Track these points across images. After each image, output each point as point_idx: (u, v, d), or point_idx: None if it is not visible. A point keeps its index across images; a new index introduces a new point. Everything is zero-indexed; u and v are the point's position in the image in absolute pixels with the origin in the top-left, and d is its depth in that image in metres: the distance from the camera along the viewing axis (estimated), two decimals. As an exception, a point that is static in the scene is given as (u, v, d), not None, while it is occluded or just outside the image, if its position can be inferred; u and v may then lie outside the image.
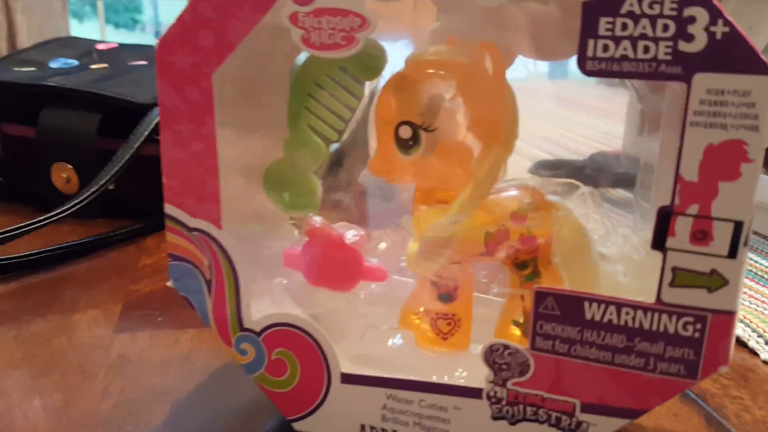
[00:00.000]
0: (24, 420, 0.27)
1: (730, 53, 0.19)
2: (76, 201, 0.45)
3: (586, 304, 0.22)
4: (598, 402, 0.22)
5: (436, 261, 0.25)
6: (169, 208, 0.25)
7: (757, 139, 0.19)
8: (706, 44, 0.19)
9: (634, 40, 0.20)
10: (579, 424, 0.23)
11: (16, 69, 0.59)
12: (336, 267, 0.28)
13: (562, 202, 0.25)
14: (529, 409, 0.23)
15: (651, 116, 0.25)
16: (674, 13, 0.19)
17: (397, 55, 0.25)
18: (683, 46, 0.19)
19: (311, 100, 0.26)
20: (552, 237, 0.24)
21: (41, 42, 0.70)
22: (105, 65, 0.60)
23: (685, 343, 0.21)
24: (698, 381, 0.21)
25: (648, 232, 0.21)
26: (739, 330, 0.35)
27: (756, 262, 0.45)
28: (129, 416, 0.28)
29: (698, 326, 0.21)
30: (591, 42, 0.20)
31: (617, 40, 0.20)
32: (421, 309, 0.27)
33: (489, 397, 0.24)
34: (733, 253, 0.20)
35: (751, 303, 0.39)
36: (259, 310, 0.26)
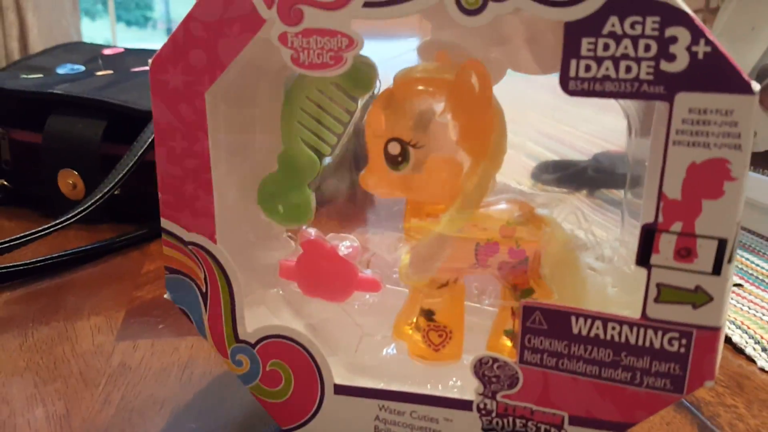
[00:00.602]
0: (26, 428, 0.28)
1: (712, 73, 0.19)
2: (82, 207, 0.46)
3: (573, 318, 0.22)
4: (585, 415, 0.23)
5: (426, 272, 0.26)
6: (165, 223, 0.26)
7: (739, 157, 0.19)
8: (687, 64, 0.19)
9: (616, 60, 0.20)
10: (567, 436, 0.23)
11: (24, 76, 0.60)
12: (330, 278, 0.28)
13: (551, 215, 0.25)
14: (518, 421, 0.24)
15: (635, 125, 0.25)
16: (656, 33, 0.19)
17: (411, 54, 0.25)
18: (665, 66, 0.19)
19: (304, 115, 0.27)
20: (540, 250, 0.24)
21: (48, 48, 0.71)
22: (110, 72, 0.61)
23: (670, 358, 0.21)
24: (684, 395, 0.21)
25: (636, 245, 0.21)
26: (737, 336, 0.35)
27: (757, 265, 0.45)
28: (128, 424, 0.28)
29: (683, 342, 0.21)
30: (573, 62, 0.20)
31: (599, 60, 0.20)
32: (414, 319, 0.27)
33: (479, 409, 0.24)
34: (717, 270, 0.20)
35: (750, 308, 0.39)
36: (254, 321, 0.26)
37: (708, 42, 0.19)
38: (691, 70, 0.19)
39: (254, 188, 0.27)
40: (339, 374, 0.26)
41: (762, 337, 0.35)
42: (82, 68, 0.63)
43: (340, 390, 0.26)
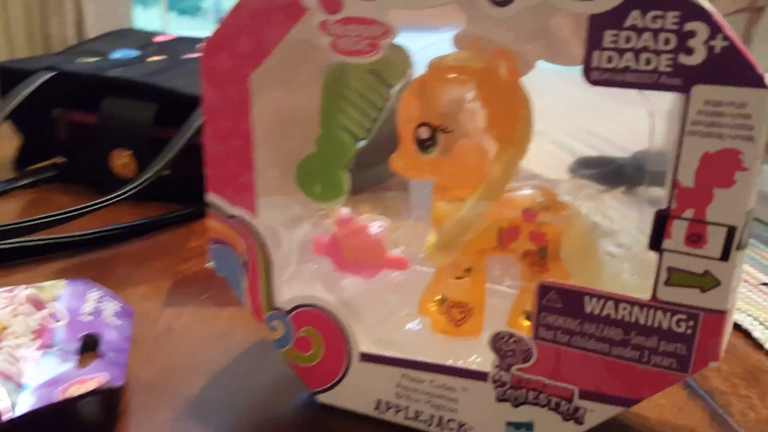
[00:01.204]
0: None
1: (728, 67, 0.20)
2: (133, 185, 0.49)
3: (587, 298, 0.23)
4: (594, 390, 0.24)
5: (450, 253, 0.27)
6: (210, 196, 0.28)
7: (751, 148, 0.20)
8: (705, 57, 0.20)
9: (636, 53, 0.21)
10: (576, 409, 0.24)
11: (80, 60, 0.63)
12: (360, 256, 0.30)
13: (572, 202, 0.26)
14: (531, 393, 0.25)
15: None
16: (676, 27, 0.20)
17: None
18: (683, 59, 0.20)
19: (341, 100, 0.28)
20: (560, 235, 0.25)
21: (103, 34, 0.74)
22: (162, 57, 0.64)
23: (677, 338, 0.22)
24: (689, 375, 0.22)
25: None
26: (758, 332, 0.36)
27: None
28: (170, 382, 0.30)
29: (690, 323, 0.22)
30: (596, 53, 0.21)
31: (621, 52, 0.21)
32: (438, 297, 0.29)
33: (494, 381, 0.25)
34: (725, 256, 0.21)
35: (765, 301, 0.39)
36: (289, 292, 0.28)
37: (725, 37, 0.20)
38: (708, 63, 0.20)
39: (293, 168, 0.29)
40: (365, 344, 0.28)
41: (785, 334, 0.35)
42: (135, 53, 0.66)
43: (366, 358, 0.28)
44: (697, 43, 0.20)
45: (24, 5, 1.69)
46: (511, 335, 0.25)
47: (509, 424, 0.26)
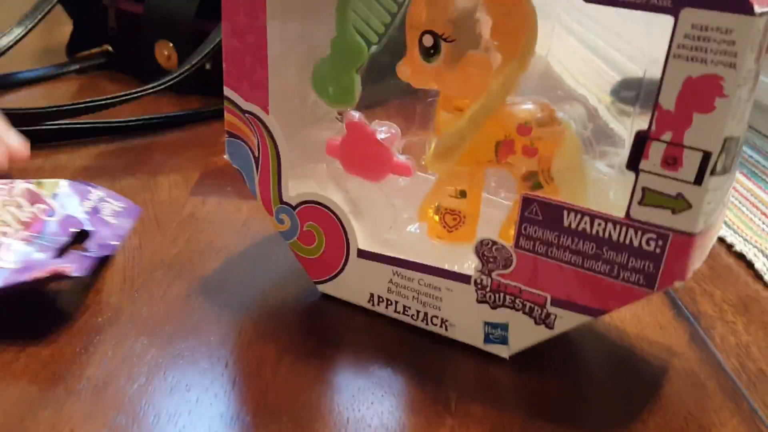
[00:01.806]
0: (109, 254, 0.34)
1: (721, -10, 0.20)
2: (172, 75, 0.51)
3: (565, 212, 0.24)
4: (565, 298, 0.25)
5: (448, 161, 0.28)
6: (227, 91, 0.30)
7: (733, 75, 0.20)
8: (699, -20, 0.20)
9: (632, -28, 0.21)
10: (548, 315, 0.26)
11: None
12: (368, 159, 0.31)
13: (568, 119, 0.26)
14: (508, 297, 0.27)
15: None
16: (675, -54, 0.20)
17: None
18: (678, -20, 0.20)
19: (357, 3, 0.29)
20: (552, 152, 0.26)
21: None
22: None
23: (647, 256, 0.23)
24: (654, 292, 0.24)
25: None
26: (759, 264, 0.36)
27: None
28: (188, 263, 0.33)
29: (660, 243, 0.23)
30: (593, -29, 0.21)
31: (617, -30, 0.21)
32: (436, 204, 0.30)
33: (476, 284, 0.27)
34: (699, 180, 0.22)
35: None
36: (298, 188, 0.30)
37: (723, -40, 0.20)
38: (701, -14, 0.20)
39: (309, 70, 0.30)
40: (363, 241, 0.30)
41: (787, 267, 0.36)
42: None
43: (362, 254, 0.30)
44: (694, -35, 0.20)
45: None
46: (494, 243, 0.26)
47: (487, 323, 0.28)
